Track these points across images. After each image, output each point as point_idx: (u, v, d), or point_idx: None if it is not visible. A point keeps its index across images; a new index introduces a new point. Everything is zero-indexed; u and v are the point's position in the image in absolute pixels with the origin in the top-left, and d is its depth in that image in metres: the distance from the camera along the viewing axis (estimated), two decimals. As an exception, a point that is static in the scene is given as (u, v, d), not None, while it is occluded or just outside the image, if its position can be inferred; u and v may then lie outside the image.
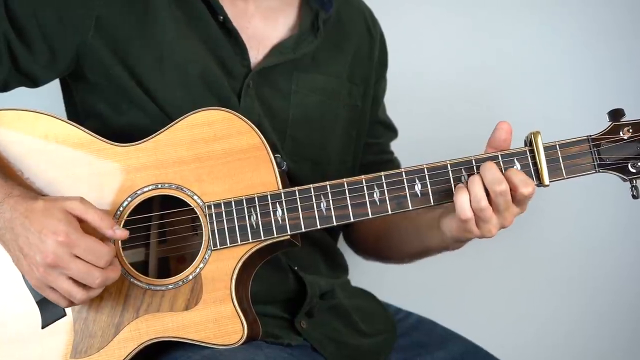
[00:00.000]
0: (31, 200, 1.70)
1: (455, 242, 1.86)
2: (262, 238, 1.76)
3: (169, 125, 1.80)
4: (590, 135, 1.73)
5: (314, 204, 1.76)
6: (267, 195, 1.76)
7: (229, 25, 1.93)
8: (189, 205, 1.78)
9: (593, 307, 2.81)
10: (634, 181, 1.71)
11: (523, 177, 1.69)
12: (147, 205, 1.82)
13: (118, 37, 1.87)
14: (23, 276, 1.76)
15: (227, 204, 1.77)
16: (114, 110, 1.90)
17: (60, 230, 1.65)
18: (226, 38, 1.94)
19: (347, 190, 1.75)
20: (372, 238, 2.16)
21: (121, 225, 1.77)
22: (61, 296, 1.70)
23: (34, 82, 1.91)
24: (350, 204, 1.75)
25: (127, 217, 1.79)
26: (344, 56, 2.10)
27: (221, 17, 1.93)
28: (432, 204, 1.74)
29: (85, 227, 1.70)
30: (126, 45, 1.88)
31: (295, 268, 1.97)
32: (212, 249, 1.76)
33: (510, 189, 1.69)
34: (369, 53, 2.16)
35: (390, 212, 1.75)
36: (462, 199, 1.69)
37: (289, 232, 1.76)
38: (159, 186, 1.79)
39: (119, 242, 1.77)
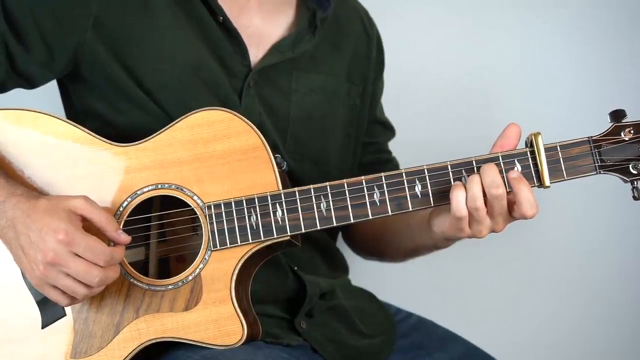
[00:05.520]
0: (34, 199, 1.70)
1: (444, 241, 1.86)
2: (262, 238, 1.76)
3: (168, 125, 1.80)
4: (592, 137, 1.72)
5: (314, 205, 1.75)
6: (267, 196, 1.76)
7: (229, 25, 1.93)
8: (189, 206, 1.78)
9: (593, 308, 2.81)
10: (635, 182, 1.71)
11: (531, 199, 1.68)
12: (147, 205, 1.82)
13: (117, 37, 1.87)
14: (23, 276, 1.77)
15: (227, 204, 1.77)
16: (113, 111, 1.90)
17: (61, 228, 1.65)
18: (226, 37, 1.94)
19: (347, 191, 1.75)
20: (370, 237, 2.17)
21: (121, 225, 1.77)
22: (61, 294, 1.69)
23: (31, 83, 1.91)
24: (350, 205, 1.75)
25: (127, 217, 1.79)
26: (342, 56, 2.11)
27: (221, 18, 1.93)
28: (432, 204, 1.74)
29: (87, 226, 1.70)
30: (125, 45, 1.87)
31: (295, 268, 1.97)
32: (212, 249, 1.76)
33: (514, 203, 1.70)
34: (366, 52, 2.16)
35: (390, 213, 1.74)
36: (458, 197, 1.69)
37: (288, 233, 1.76)
38: (159, 186, 1.79)
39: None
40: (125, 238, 1.73)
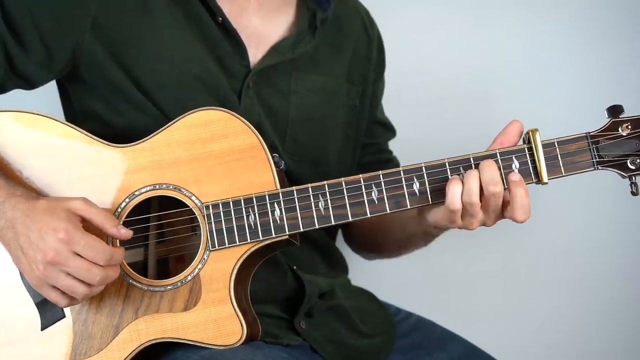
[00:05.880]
0: (33, 200, 1.70)
1: (434, 229, 1.87)
2: (261, 238, 1.76)
3: (166, 126, 1.80)
4: (589, 132, 1.72)
5: (312, 204, 1.75)
6: (265, 195, 1.76)
7: (229, 25, 1.93)
8: (187, 206, 1.78)
9: (592, 307, 2.80)
10: (633, 178, 1.71)
11: (526, 203, 1.69)
12: (145, 205, 1.82)
13: (115, 37, 1.87)
14: (22, 277, 1.77)
15: (225, 204, 1.77)
16: (111, 111, 1.90)
17: (61, 227, 1.66)
18: (225, 38, 1.94)
19: (345, 190, 1.75)
20: (367, 230, 2.17)
21: (119, 227, 1.78)
22: (61, 295, 1.69)
23: (30, 83, 1.91)
24: (349, 204, 1.75)
25: (126, 218, 1.79)
26: (342, 56, 2.10)
27: (220, 18, 1.92)
28: (430, 202, 1.74)
29: (87, 227, 1.70)
30: (123, 45, 1.87)
31: (294, 267, 1.97)
32: (211, 249, 1.76)
33: (508, 205, 1.70)
34: (366, 53, 2.16)
35: (388, 211, 1.74)
36: (454, 190, 1.70)
37: (287, 232, 1.76)
38: (157, 187, 1.79)
39: (117, 241, 1.77)
40: (126, 232, 1.73)
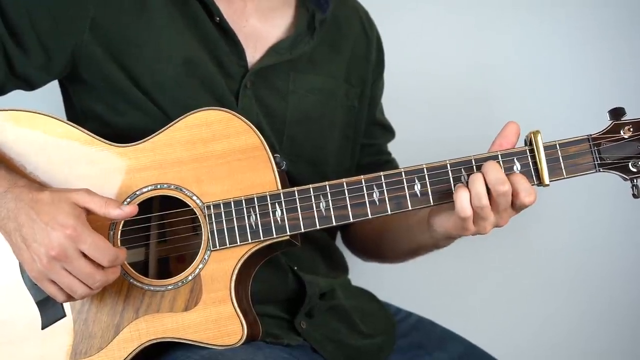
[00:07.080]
0: (36, 191, 1.70)
1: (446, 240, 1.86)
2: (262, 238, 1.76)
3: (167, 126, 1.80)
4: (591, 135, 1.72)
5: (314, 204, 1.75)
6: (266, 196, 1.76)
7: (226, 26, 1.93)
8: (189, 206, 1.78)
9: (592, 307, 2.81)
10: (635, 180, 1.71)
11: (527, 187, 1.69)
12: (146, 205, 1.82)
13: (113, 38, 1.87)
14: (22, 276, 1.77)
15: (227, 204, 1.77)
16: (111, 111, 1.90)
17: (69, 224, 1.65)
18: (223, 38, 1.93)
19: (346, 191, 1.75)
20: (370, 239, 2.16)
21: (120, 226, 1.78)
22: (59, 290, 1.69)
23: (30, 85, 1.91)
24: (350, 204, 1.75)
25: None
26: (340, 57, 2.10)
27: (217, 19, 1.92)
28: (432, 203, 1.74)
29: (93, 219, 1.70)
30: (122, 46, 1.87)
31: (295, 268, 1.97)
32: (212, 249, 1.76)
33: (512, 194, 1.69)
34: (365, 54, 2.16)
35: (389, 212, 1.74)
36: (462, 197, 1.69)
37: (288, 233, 1.76)
38: (159, 187, 1.79)
39: (118, 241, 1.77)
40: (130, 209, 1.72)
